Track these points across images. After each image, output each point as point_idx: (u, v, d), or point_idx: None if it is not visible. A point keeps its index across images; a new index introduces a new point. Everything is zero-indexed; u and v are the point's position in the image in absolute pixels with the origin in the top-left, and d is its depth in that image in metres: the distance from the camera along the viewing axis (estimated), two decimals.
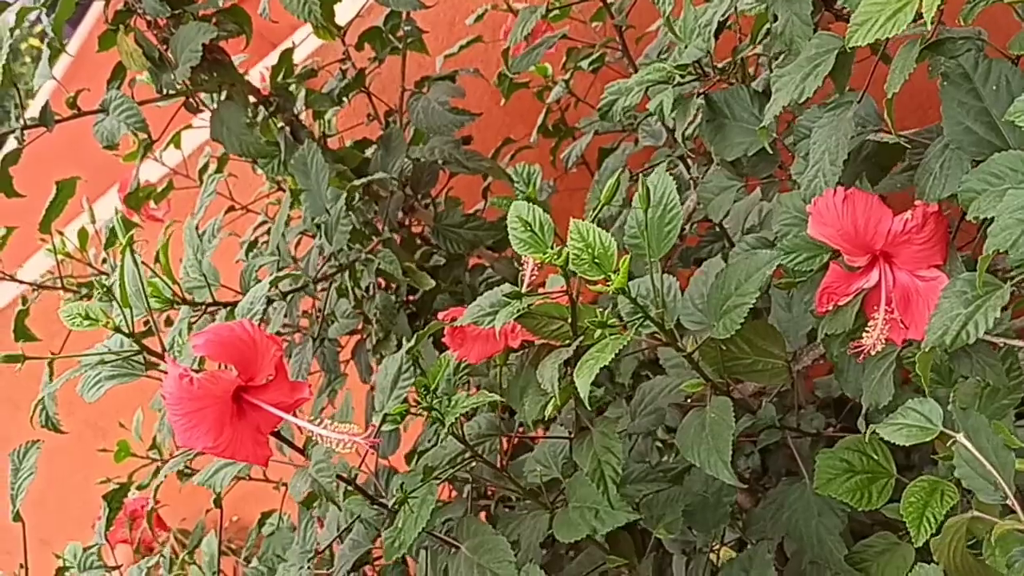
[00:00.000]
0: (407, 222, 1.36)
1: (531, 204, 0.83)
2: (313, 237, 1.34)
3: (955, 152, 0.73)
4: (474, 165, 1.32)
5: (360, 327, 1.44)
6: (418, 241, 1.43)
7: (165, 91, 1.22)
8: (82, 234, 1.68)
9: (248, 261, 1.10)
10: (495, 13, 1.74)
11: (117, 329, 0.70)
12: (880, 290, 0.78)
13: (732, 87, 0.94)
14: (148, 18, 1.20)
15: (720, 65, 0.93)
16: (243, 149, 1.22)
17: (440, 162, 1.29)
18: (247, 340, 0.67)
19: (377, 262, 1.19)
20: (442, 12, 1.81)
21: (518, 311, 0.81)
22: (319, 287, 1.21)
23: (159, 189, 1.77)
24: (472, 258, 1.44)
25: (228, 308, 1.02)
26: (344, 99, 1.34)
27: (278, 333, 1.18)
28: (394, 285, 1.37)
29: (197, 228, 1.47)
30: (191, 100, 1.25)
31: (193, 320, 0.98)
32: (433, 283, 1.22)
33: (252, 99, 1.29)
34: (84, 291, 1.63)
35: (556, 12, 1.63)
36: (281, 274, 1.08)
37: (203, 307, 1.00)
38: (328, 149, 1.30)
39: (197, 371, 0.66)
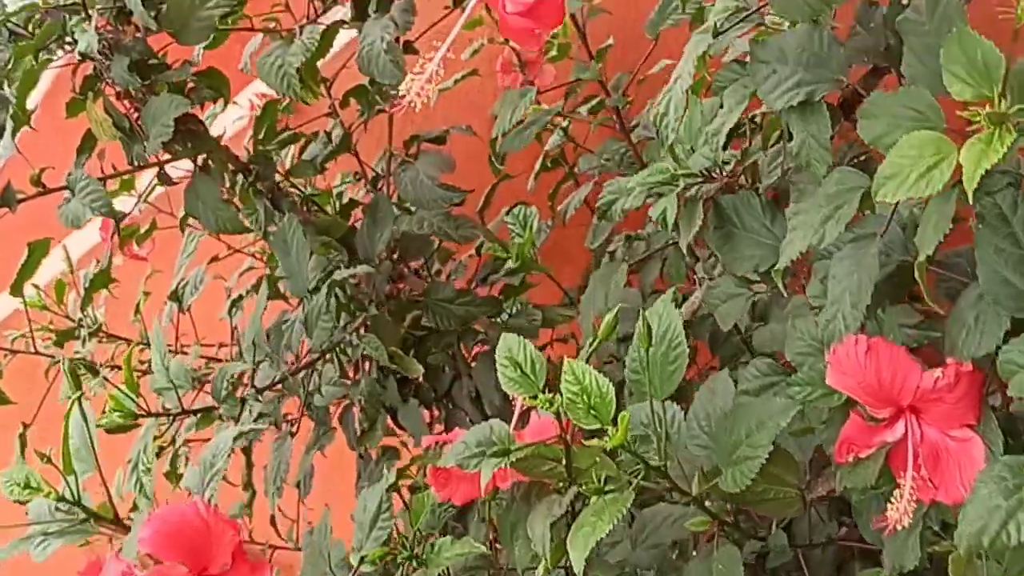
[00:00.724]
0: (395, 292, 1.28)
1: (522, 341, 0.75)
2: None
3: (992, 306, 0.65)
4: (466, 234, 1.25)
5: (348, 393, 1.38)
6: (407, 303, 1.35)
7: (137, 163, 1.15)
8: (59, 287, 1.62)
9: (219, 371, 1.03)
10: (491, 46, 1.66)
11: (61, 498, 0.64)
12: (906, 446, 0.70)
13: (741, 193, 0.86)
14: (117, 88, 1.13)
15: (729, 167, 0.85)
16: (219, 226, 1.15)
17: (429, 234, 1.21)
18: (199, 528, 0.61)
19: (362, 347, 1.12)
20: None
21: (506, 463, 0.74)
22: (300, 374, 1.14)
23: (142, 229, 1.70)
24: None
25: (199, 415, 0.96)
26: (327, 165, 1.27)
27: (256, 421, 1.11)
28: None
29: (178, 289, 1.41)
30: (163, 172, 1.17)
31: (158, 435, 0.91)
32: (422, 369, 1.15)
33: (231, 167, 1.21)
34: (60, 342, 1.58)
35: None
36: (253, 409, 1.00)
37: (171, 416, 0.93)
38: (310, 221, 1.22)
39: (146, 564, 0.59)
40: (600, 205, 0.92)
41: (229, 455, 0.72)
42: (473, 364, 1.37)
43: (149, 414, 0.90)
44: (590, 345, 0.79)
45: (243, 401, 1.04)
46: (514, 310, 1.35)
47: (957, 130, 0.60)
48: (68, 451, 0.65)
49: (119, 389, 0.88)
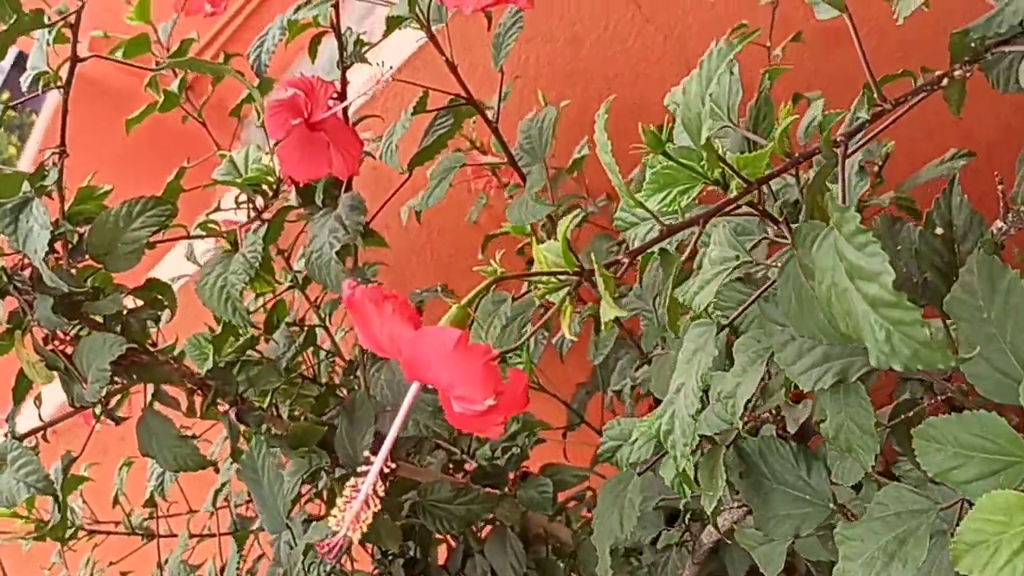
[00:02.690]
0: (388, 490, 1.15)
1: None
2: None
3: None
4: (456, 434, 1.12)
5: None
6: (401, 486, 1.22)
7: (78, 404, 1.02)
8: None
9: None
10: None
11: None
12: None
13: (767, 438, 0.73)
14: (45, 330, 1.00)
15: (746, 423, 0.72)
16: (179, 463, 1.02)
17: (416, 435, 1.08)
18: None
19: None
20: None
21: None
22: None
23: None
24: None
25: None
26: (295, 370, 1.14)
27: None
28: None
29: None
30: (110, 411, 1.05)
31: None
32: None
33: (188, 385, 1.08)
34: None
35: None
36: None
37: None
38: (281, 435, 1.09)
39: None
40: (602, 454, 0.79)
41: None
42: (485, 542, 1.25)
43: None
44: None
45: None
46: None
47: None
48: None
49: None
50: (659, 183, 0.51)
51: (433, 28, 0.88)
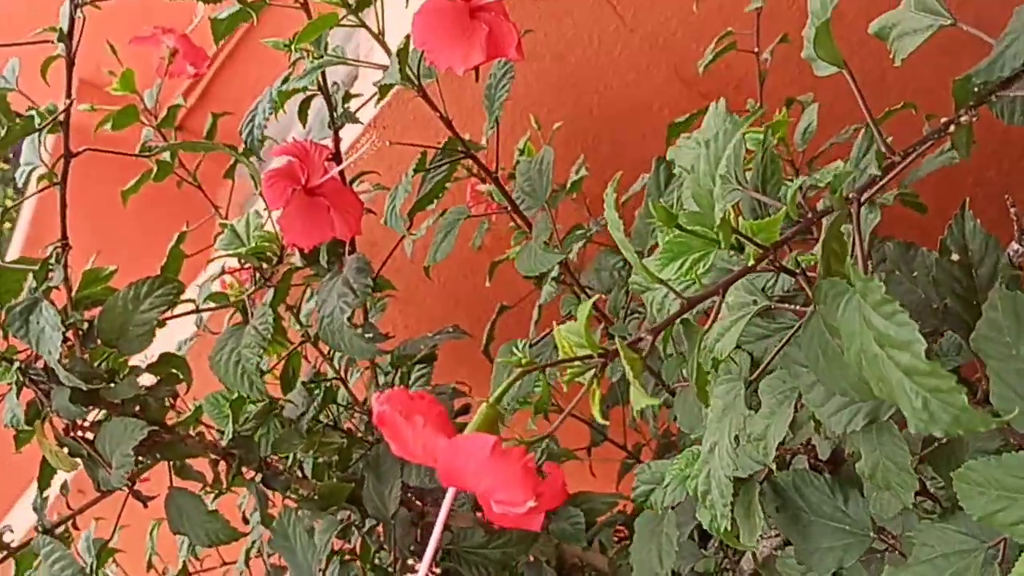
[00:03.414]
0: (417, 536, 1.15)
1: None
2: None
3: None
4: None
5: None
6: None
7: (104, 489, 1.02)
8: None
9: None
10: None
11: None
12: None
13: (800, 471, 0.72)
14: (65, 421, 1.00)
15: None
16: (211, 539, 1.02)
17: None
18: None
19: None
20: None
21: None
22: None
23: None
24: None
25: None
26: (316, 432, 1.13)
27: None
28: None
29: None
30: (137, 492, 1.04)
31: None
32: None
33: (212, 456, 1.08)
34: None
35: None
36: None
37: None
38: (311, 498, 1.09)
39: None
40: (636, 499, 0.79)
41: None
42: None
43: None
44: None
45: None
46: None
47: None
48: None
49: None
50: (673, 251, 0.51)
51: (423, 83, 0.87)
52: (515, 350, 0.51)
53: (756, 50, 1.34)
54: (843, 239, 0.52)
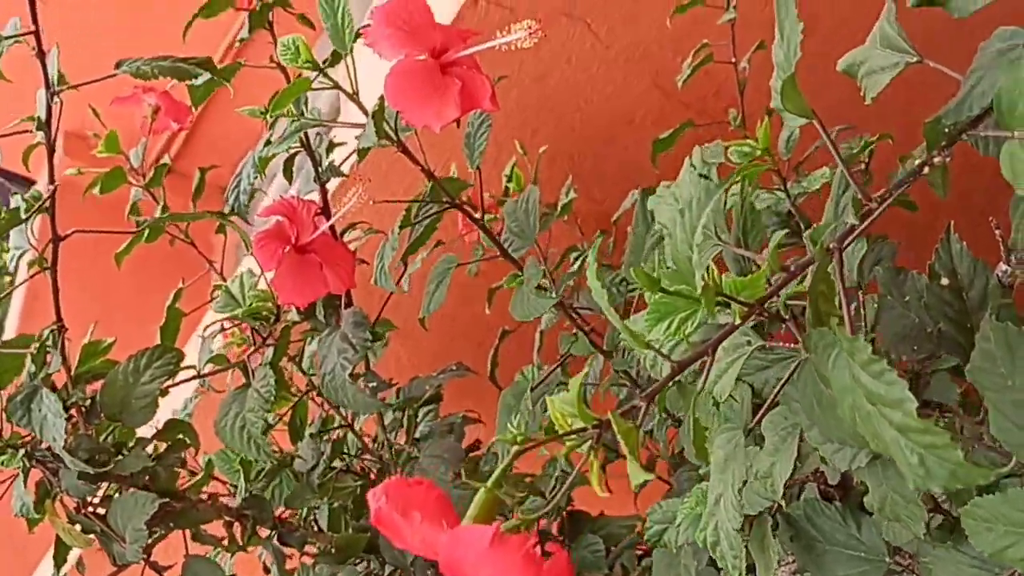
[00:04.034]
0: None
1: None
2: None
3: None
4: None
5: None
6: None
7: (120, 564, 1.02)
8: None
9: None
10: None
11: None
12: None
13: (811, 500, 0.72)
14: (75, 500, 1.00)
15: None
16: None
17: None
18: None
19: None
20: None
21: None
22: None
23: None
24: None
25: None
26: (328, 481, 1.13)
27: None
28: None
29: None
30: (154, 563, 1.04)
31: None
32: None
33: (226, 518, 1.08)
34: None
35: None
36: None
37: None
38: (328, 552, 1.09)
39: None
40: (649, 537, 0.78)
41: None
42: None
43: None
44: None
45: None
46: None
47: None
48: None
49: None
50: (660, 312, 0.50)
51: (403, 136, 0.87)
52: (511, 429, 0.51)
53: (733, 60, 1.33)
54: (830, 280, 0.52)
